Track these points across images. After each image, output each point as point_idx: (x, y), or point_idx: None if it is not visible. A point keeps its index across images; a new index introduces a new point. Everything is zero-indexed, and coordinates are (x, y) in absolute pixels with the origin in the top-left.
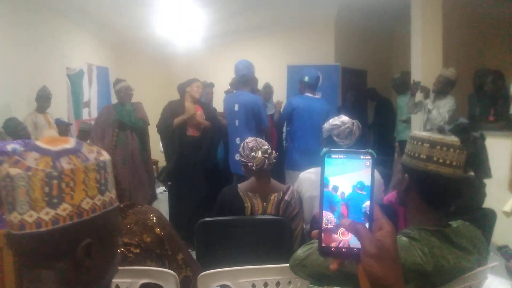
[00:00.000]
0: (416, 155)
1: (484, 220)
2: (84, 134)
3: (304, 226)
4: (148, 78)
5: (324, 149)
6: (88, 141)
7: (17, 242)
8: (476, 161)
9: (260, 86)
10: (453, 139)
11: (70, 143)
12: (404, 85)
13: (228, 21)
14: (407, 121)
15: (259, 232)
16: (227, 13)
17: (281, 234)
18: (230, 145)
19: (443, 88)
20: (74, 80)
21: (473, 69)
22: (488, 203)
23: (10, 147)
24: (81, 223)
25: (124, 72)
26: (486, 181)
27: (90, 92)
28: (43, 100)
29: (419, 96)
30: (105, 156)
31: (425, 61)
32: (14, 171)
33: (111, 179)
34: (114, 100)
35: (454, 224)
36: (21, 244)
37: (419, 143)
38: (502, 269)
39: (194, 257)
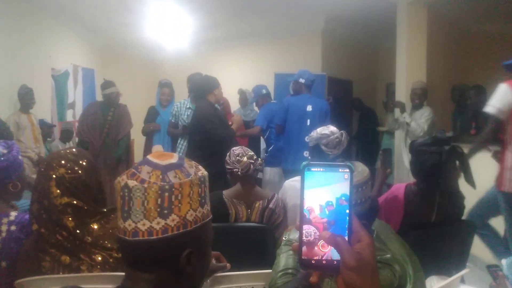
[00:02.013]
0: (367, 197)
1: (463, 232)
2: (66, 134)
3: None
4: (135, 82)
5: (304, 163)
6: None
7: (129, 248)
8: (447, 175)
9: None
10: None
11: (175, 158)
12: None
13: (216, 27)
14: (389, 132)
15: (242, 240)
16: (216, 20)
17: (265, 242)
18: (297, 144)
19: (420, 99)
20: (59, 81)
21: (456, 82)
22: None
23: None
24: (185, 233)
25: (111, 75)
26: (466, 193)
27: (75, 94)
28: (24, 98)
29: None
30: (203, 171)
31: (409, 73)
32: (132, 183)
33: (208, 193)
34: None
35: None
36: (132, 250)
37: (365, 186)
38: (474, 278)
39: None
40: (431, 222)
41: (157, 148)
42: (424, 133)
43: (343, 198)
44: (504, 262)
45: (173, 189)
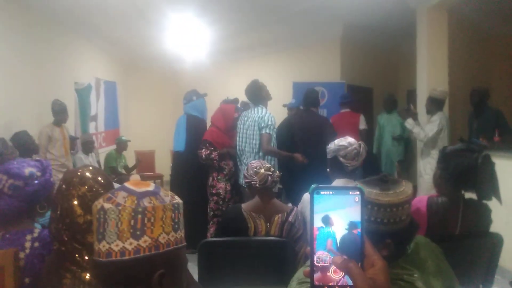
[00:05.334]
0: (398, 219)
1: (490, 245)
2: (87, 145)
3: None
4: (156, 93)
5: (313, 186)
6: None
7: (103, 269)
8: (483, 182)
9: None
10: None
11: (151, 187)
12: (388, 104)
13: (235, 38)
14: (397, 138)
15: (261, 254)
16: (234, 31)
17: (284, 256)
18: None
19: (430, 107)
20: (82, 94)
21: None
22: (496, 227)
23: (27, 171)
24: (157, 255)
25: (132, 87)
26: (493, 205)
27: (98, 106)
28: (57, 112)
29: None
30: (178, 200)
31: (430, 79)
32: (107, 205)
33: (182, 220)
34: (122, 113)
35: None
36: (106, 271)
37: (400, 208)
38: None
39: (196, 278)
40: (455, 235)
41: (134, 177)
42: (428, 139)
43: (355, 223)
44: None
45: (146, 212)
